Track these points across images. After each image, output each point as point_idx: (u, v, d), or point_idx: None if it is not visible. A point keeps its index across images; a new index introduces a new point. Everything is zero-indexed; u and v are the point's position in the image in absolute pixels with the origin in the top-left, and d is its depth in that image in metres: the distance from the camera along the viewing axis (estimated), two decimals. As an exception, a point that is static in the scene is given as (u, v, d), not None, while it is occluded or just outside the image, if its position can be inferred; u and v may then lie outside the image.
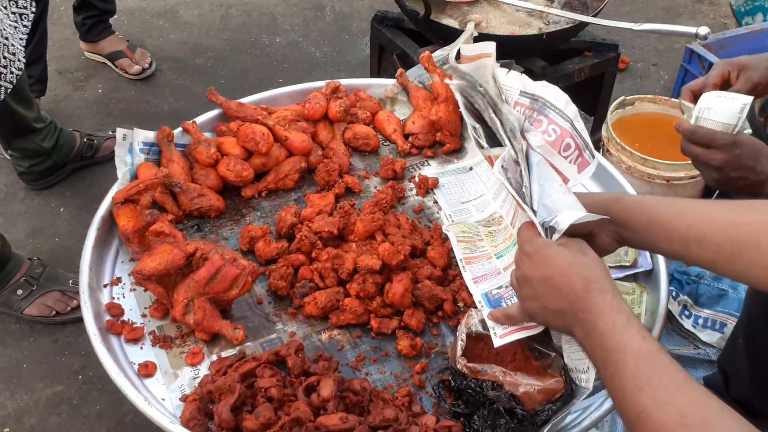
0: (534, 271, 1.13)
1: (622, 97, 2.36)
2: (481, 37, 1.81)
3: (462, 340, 1.28)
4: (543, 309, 1.13)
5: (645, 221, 1.19)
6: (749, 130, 1.64)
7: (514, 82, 1.39)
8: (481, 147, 1.35)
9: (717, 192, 2.06)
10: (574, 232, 1.19)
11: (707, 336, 2.04)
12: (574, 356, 1.27)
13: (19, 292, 2.08)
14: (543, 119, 1.35)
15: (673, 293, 2.09)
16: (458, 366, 1.25)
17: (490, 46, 1.51)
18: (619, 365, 0.98)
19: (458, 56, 1.71)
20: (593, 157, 1.34)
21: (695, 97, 1.59)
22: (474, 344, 1.30)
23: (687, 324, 2.07)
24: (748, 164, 1.49)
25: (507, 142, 1.27)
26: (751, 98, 1.49)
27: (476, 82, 1.37)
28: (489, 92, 1.34)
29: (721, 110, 1.48)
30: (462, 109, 1.38)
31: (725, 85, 1.64)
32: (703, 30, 1.98)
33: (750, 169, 1.49)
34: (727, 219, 1.11)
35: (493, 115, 1.30)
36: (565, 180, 1.32)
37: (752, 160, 1.49)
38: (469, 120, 1.38)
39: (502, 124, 1.28)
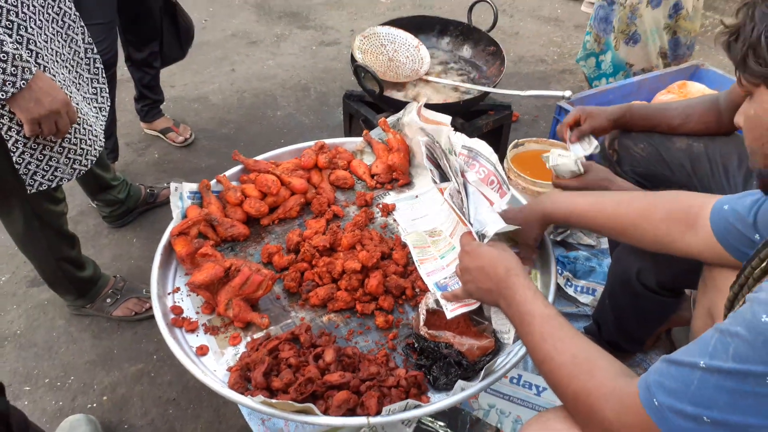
0: (471, 263, 1.16)
1: (516, 140, 2.39)
2: (427, 106, 1.84)
3: (423, 314, 1.28)
4: (478, 289, 1.16)
5: (566, 217, 1.31)
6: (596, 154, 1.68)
7: (459, 139, 1.49)
8: (435, 182, 1.40)
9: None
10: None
11: (584, 298, 2.06)
12: (499, 323, 1.28)
13: (108, 300, 2.03)
14: (476, 163, 1.42)
15: (559, 271, 2.11)
16: (422, 332, 1.25)
17: (447, 119, 1.58)
18: (530, 325, 0.99)
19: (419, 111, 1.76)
20: (509, 189, 1.39)
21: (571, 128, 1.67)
22: (431, 317, 1.30)
23: (570, 291, 2.09)
24: (597, 180, 1.54)
25: (453, 179, 1.31)
26: (581, 155, 1.56)
27: (434, 138, 1.42)
28: (442, 146, 1.40)
29: (564, 167, 1.57)
30: (424, 158, 1.45)
31: (577, 124, 1.68)
32: (568, 93, 2.02)
33: (598, 185, 1.54)
34: (612, 212, 1.22)
35: (445, 161, 1.34)
36: (491, 203, 1.37)
37: (599, 181, 1.54)
38: (428, 165, 1.44)
39: (450, 167, 1.32)
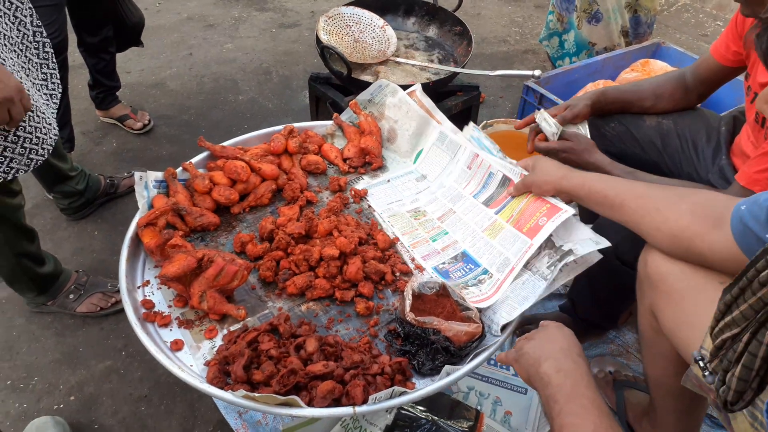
0: (553, 341, 1.07)
1: (485, 121, 2.37)
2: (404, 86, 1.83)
3: (409, 299, 1.25)
4: (540, 356, 1.05)
5: (586, 192, 1.22)
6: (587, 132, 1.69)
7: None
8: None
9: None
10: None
11: (557, 277, 2.06)
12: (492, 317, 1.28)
13: (71, 296, 1.94)
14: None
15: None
16: (408, 318, 1.21)
17: (442, 116, 1.79)
18: None
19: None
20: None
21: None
22: (415, 301, 1.27)
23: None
24: (578, 150, 1.53)
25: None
26: (559, 128, 1.60)
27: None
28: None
29: (547, 130, 1.61)
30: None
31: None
32: (537, 72, 2.00)
33: (578, 154, 1.53)
34: (641, 191, 1.13)
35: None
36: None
37: (580, 150, 1.54)
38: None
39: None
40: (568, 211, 1.33)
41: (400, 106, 1.81)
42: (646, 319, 1.25)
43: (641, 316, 1.28)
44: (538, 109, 1.66)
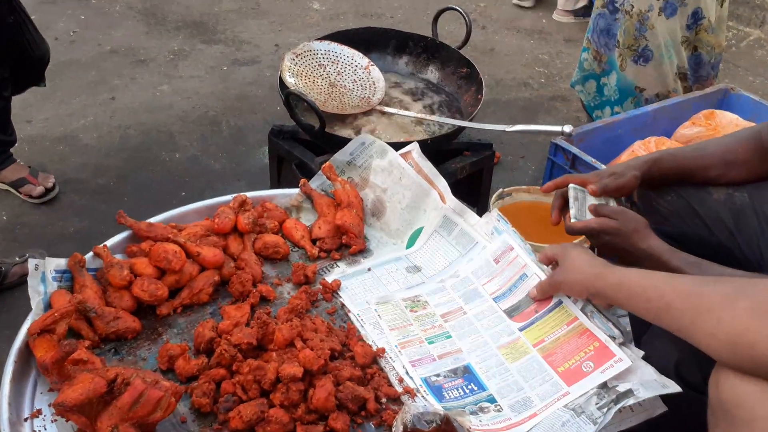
0: None
1: (501, 189, 2.40)
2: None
3: None
4: None
5: (625, 295, 1.27)
6: None
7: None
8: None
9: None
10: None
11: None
12: None
13: (-70, 429, 1.89)
14: None
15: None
16: (397, 467, 1.19)
17: (443, 184, 1.84)
18: None
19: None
20: None
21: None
22: (409, 440, 1.25)
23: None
24: (626, 232, 1.56)
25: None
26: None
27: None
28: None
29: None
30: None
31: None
32: (568, 128, 2.05)
33: (626, 238, 1.55)
34: (690, 288, 1.17)
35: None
36: None
37: (629, 233, 1.57)
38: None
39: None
40: (625, 361, 1.36)
41: (390, 170, 1.84)
42: None
43: None
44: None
